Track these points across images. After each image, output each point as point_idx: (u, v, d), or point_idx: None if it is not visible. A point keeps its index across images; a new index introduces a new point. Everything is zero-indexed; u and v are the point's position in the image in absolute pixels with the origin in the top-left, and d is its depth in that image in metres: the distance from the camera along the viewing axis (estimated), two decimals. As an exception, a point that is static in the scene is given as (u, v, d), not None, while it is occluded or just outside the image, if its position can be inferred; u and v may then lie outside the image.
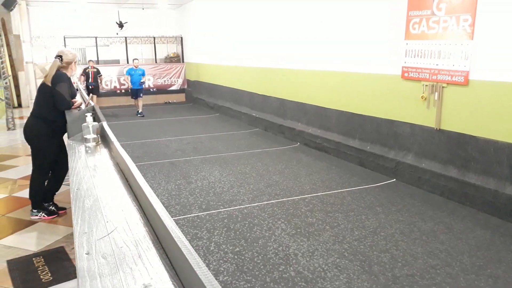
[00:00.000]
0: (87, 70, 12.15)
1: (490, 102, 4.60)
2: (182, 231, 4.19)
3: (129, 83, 11.73)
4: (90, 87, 12.12)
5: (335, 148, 7.06)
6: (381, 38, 6.03)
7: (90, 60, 12.94)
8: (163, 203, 4.91)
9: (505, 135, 4.45)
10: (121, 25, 15.18)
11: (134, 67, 11.54)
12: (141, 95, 11.65)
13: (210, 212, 4.74)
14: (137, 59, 11.88)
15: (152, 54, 15.73)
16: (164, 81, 14.73)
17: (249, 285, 3.29)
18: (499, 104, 4.50)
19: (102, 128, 3.12)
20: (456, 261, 3.63)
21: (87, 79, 12.24)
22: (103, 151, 2.84)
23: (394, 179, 5.82)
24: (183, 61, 15.68)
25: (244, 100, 10.70)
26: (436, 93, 5.19)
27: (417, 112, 5.50)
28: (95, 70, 12.27)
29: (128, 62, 14.93)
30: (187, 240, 3.48)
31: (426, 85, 5.33)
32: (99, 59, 14.90)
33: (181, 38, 15.75)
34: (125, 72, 12.81)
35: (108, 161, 2.52)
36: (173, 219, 4.61)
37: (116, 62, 15.12)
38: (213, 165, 6.66)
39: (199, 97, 13.88)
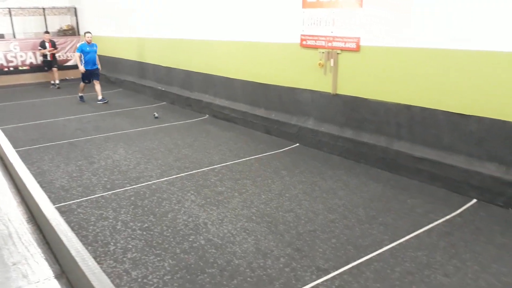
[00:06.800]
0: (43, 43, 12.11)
1: (379, 66, 4.97)
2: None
3: (80, 65, 9.44)
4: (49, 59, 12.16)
5: (242, 118, 7.16)
6: (281, 7, 6.13)
7: (46, 32, 12.48)
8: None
9: (393, 96, 4.86)
10: (2, -6, 13.48)
11: (87, 43, 9.44)
12: (98, 77, 9.69)
13: (115, 191, 4.57)
14: (89, 33, 9.62)
15: (42, 27, 14.26)
16: (59, 56, 13.53)
17: (159, 258, 3.27)
18: (387, 68, 4.88)
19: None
20: (352, 214, 3.96)
21: (44, 54, 12.16)
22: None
23: (298, 144, 6.10)
24: (79, 34, 14.51)
25: (149, 74, 10.30)
26: (332, 60, 5.47)
27: (315, 79, 5.76)
28: (52, 42, 12.23)
29: (14, 37, 13.43)
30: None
31: (322, 52, 5.57)
32: (-22, 33, 13.18)
33: (75, 9, 14.50)
34: (75, 50, 10.43)
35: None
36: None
37: (1, 37, 13.49)
38: (117, 143, 6.37)
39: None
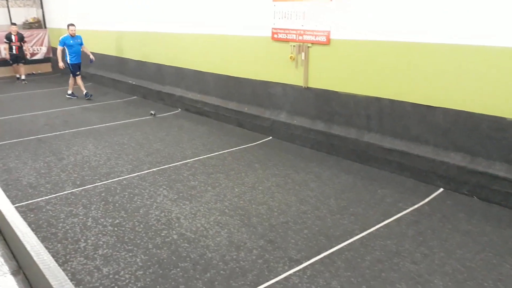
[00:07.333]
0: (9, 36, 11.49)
1: (349, 60, 5.03)
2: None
3: (61, 60, 9.02)
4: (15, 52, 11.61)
5: (215, 111, 7.12)
6: (252, 0, 6.10)
7: (13, 24, 11.87)
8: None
9: (363, 89, 4.94)
10: (-39, -15, 12.89)
11: (71, 35, 9.00)
12: (80, 71, 9.33)
13: (85, 188, 4.47)
14: (73, 25, 8.99)
15: (6, 20, 13.75)
16: (25, 49, 13.07)
17: (131, 254, 3.24)
18: (357, 61, 4.94)
19: None
20: (324, 205, 4.02)
21: (9, 47, 11.56)
22: None
23: (271, 137, 6.13)
24: (45, 27, 14.05)
25: (119, 67, 10.09)
26: (303, 53, 5.49)
27: (287, 73, 5.78)
28: (18, 36, 11.62)
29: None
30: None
31: (293, 46, 5.59)
32: None
33: (41, 0, 14.01)
34: (58, 43, 9.40)
35: None
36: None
37: (-40, 29, 12.91)
38: (86, 138, 6.23)
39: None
